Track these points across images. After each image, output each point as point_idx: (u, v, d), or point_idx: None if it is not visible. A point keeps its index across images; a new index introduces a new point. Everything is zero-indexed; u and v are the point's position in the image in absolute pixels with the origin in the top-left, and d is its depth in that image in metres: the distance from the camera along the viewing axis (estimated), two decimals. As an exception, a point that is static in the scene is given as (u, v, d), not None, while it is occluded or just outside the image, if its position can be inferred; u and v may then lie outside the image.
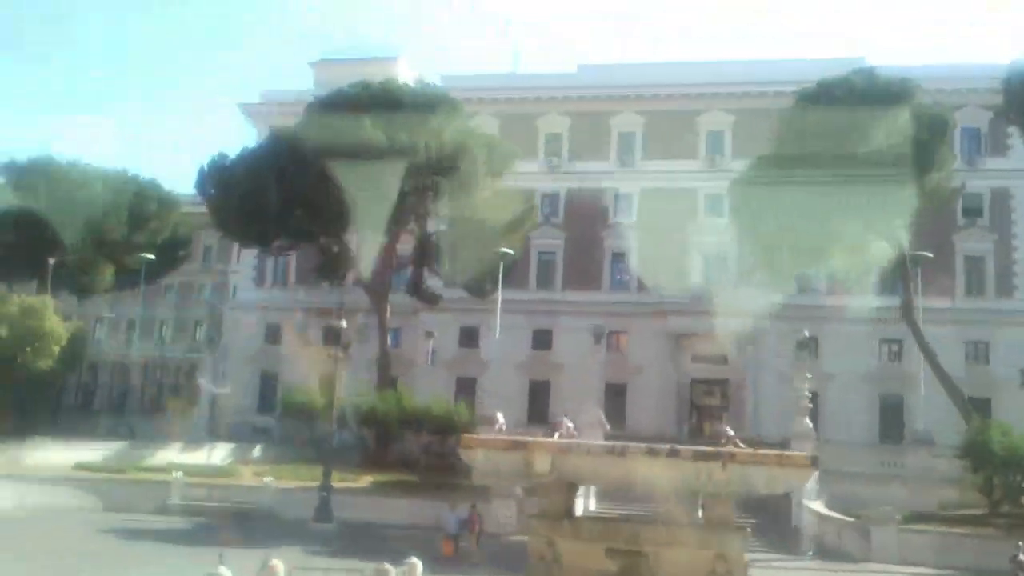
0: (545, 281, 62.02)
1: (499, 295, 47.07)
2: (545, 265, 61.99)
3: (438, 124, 43.27)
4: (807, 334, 41.63)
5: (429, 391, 53.44)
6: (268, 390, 64.82)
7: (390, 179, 44.04)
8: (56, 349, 47.53)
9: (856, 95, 38.40)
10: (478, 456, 15.55)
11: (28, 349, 46.53)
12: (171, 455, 39.87)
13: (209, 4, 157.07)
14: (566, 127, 63.51)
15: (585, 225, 61.97)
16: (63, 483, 33.33)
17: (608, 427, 17.91)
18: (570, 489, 16.16)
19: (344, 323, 36.12)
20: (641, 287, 60.64)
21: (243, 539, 29.80)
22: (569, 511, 15.92)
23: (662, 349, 59.28)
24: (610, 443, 15.81)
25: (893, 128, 38.37)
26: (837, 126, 38.44)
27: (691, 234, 60.44)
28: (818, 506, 36.03)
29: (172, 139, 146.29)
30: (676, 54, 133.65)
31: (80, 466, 35.50)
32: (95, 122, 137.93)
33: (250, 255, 67.93)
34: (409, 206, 44.69)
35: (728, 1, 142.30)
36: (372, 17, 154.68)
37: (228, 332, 66.98)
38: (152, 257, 52.31)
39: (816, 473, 18.20)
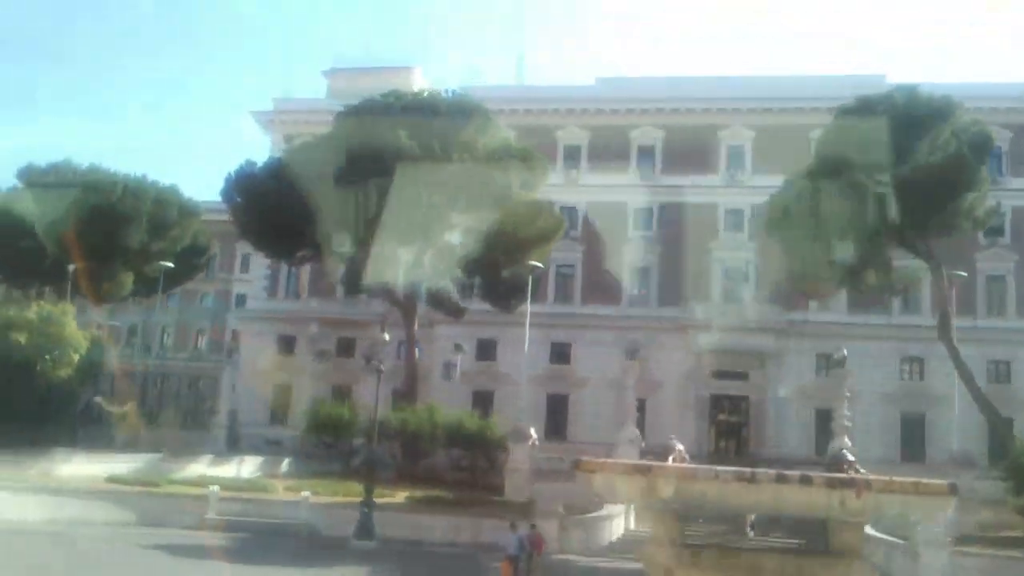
0: (564, 295, 61.57)
1: (527, 308, 46.45)
2: (564, 278, 61.51)
3: (471, 135, 42.77)
4: (844, 352, 41.11)
5: (446, 404, 52.90)
6: (280, 402, 64.06)
7: (420, 189, 43.55)
8: (76, 357, 46.79)
9: (898, 112, 38.08)
10: (596, 480, 14.92)
11: (47, 357, 45.71)
12: (201, 468, 39.06)
13: (221, 13, 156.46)
14: (585, 140, 63.15)
15: (604, 238, 61.55)
16: (97, 496, 32.47)
17: (688, 458, 17.07)
18: (683, 516, 15.65)
19: (387, 336, 35.10)
20: (661, 302, 60.29)
21: (288, 558, 29.20)
22: (684, 538, 15.39)
23: (682, 364, 58.84)
24: (738, 468, 15.24)
25: (935, 146, 38.15)
26: (879, 143, 38.16)
27: (712, 249, 60.30)
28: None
29: (182, 146, 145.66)
30: (687, 68, 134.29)
31: (112, 479, 34.62)
32: (108, 128, 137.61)
33: (261, 265, 67.23)
34: (437, 217, 44.03)
35: (734, 16, 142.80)
36: (384, 28, 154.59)
37: (243, 342, 66.15)
38: (171, 265, 51.50)
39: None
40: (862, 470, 15.44)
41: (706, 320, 58.01)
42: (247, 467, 41.15)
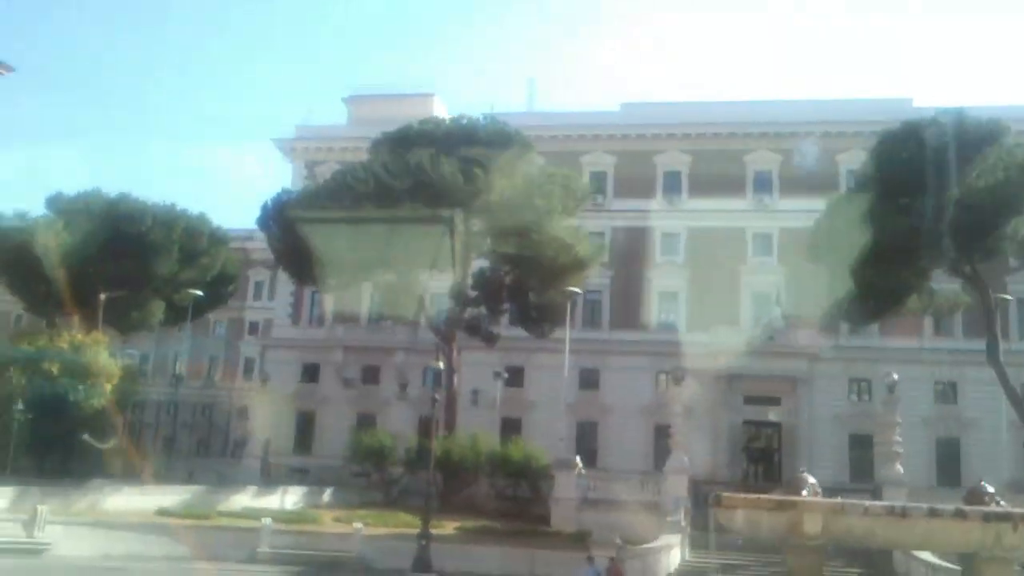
0: (592, 320, 61.16)
1: (567, 334, 46.07)
2: (591, 304, 60.99)
3: (510, 161, 42.53)
4: (895, 377, 40.74)
5: (474, 431, 52.38)
6: (305, 430, 63.47)
7: (459, 216, 43.33)
8: (108, 387, 46.26)
9: (946, 135, 37.96)
10: (738, 516, 14.50)
11: (80, 387, 45.19)
12: (245, 499, 38.39)
13: (236, 41, 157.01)
14: (611, 165, 63.08)
15: (631, 264, 61.34)
16: (149, 530, 31.82)
17: (820, 492, 16.36)
18: (823, 550, 15.22)
19: (441, 364, 34.61)
20: (689, 327, 59.93)
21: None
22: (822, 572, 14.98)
23: (711, 390, 58.35)
24: (888, 503, 14.92)
25: (984, 169, 38.01)
26: (926, 166, 38.02)
27: (740, 273, 60.08)
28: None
29: (198, 173, 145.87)
30: (704, 93, 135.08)
31: (162, 512, 33.99)
32: (123, 156, 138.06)
33: (286, 292, 66.89)
34: (475, 244, 43.72)
35: (747, 41, 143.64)
36: (397, 54, 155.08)
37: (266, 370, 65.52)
38: (200, 293, 51.06)
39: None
40: (1003, 503, 15.01)
41: (735, 345, 57.64)
42: (290, 498, 40.49)
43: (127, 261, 47.83)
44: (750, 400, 58.23)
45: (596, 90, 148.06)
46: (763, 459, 59.76)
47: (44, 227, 47.44)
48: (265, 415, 49.80)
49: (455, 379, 50.31)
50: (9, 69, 62.26)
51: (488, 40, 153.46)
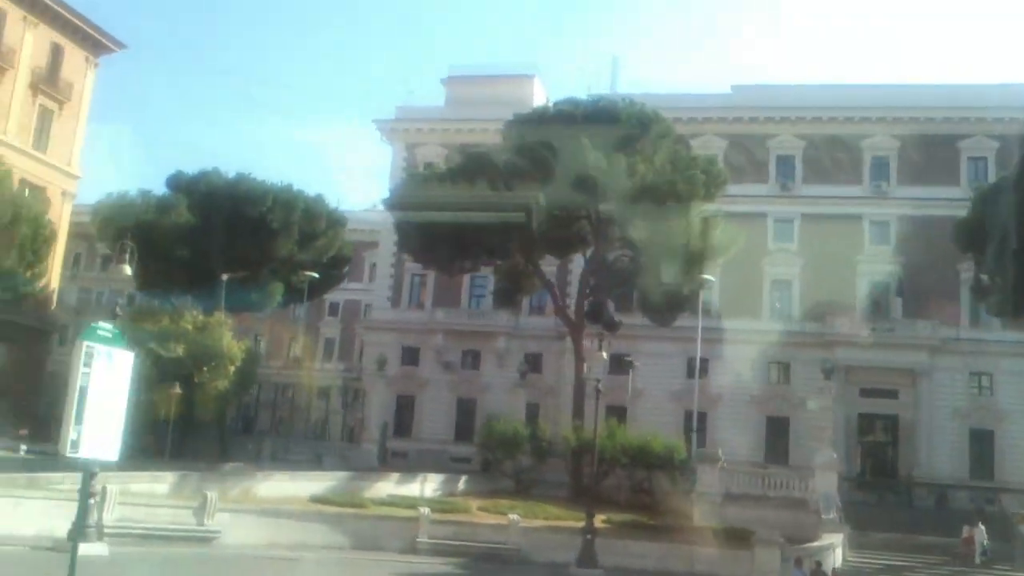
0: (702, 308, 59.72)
1: (699, 323, 44.97)
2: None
3: (651, 144, 41.34)
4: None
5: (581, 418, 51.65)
6: (404, 414, 62.96)
7: (595, 200, 42.25)
8: (232, 369, 45.97)
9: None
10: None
11: (205, 369, 44.92)
12: (389, 487, 37.78)
13: (338, 19, 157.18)
14: (721, 148, 61.46)
15: (742, 250, 59.74)
16: (307, 518, 31.25)
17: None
18: None
19: (604, 354, 33.56)
20: (803, 316, 58.50)
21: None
22: None
23: (826, 381, 56.82)
24: None
25: None
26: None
27: (857, 262, 58.43)
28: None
29: (296, 152, 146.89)
30: (820, 77, 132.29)
31: (315, 499, 33.46)
32: (227, 136, 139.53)
33: (385, 274, 66.38)
34: (610, 228, 42.63)
35: (845, 23, 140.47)
36: (497, 36, 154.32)
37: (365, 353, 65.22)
38: (317, 275, 50.59)
39: None
40: None
41: (852, 336, 56.18)
42: (429, 485, 39.83)
43: (248, 241, 47.36)
44: (866, 393, 56.74)
45: (686, 73, 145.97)
46: (878, 454, 58.29)
47: (168, 207, 47.07)
48: (380, 399, 49.19)
49: (564, 367, 49.50)
50: (121, 46, 62.41)
51: (577, 19, 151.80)
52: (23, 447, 40.70)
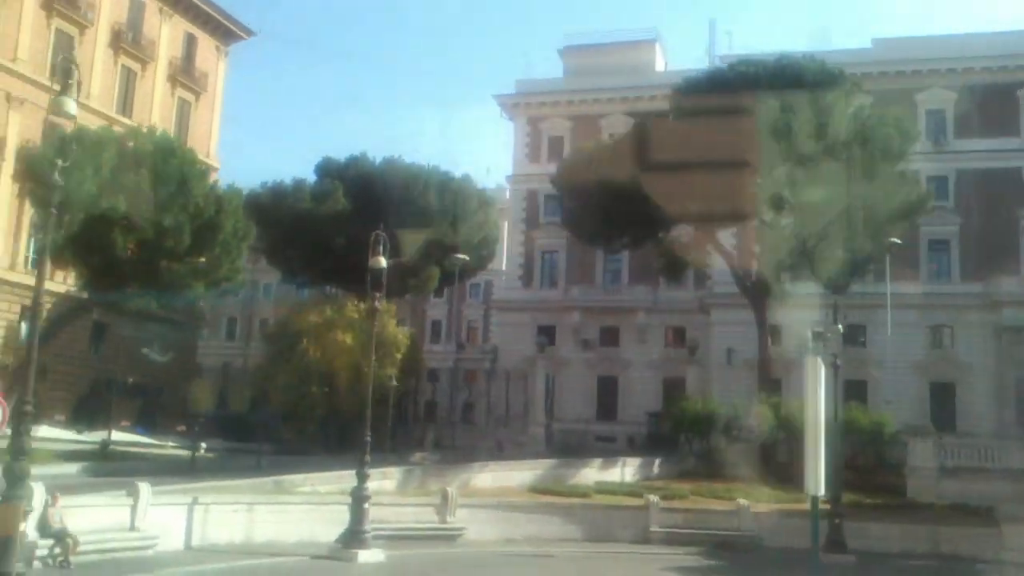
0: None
1: (888, 288, 42.95)
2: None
3: (837, 103, 39.27)
4: None
5: (730, 393, 50.14)
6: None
7: (776, 165, 40.33)
8: (398, 357, 45.10)
9: None
10: None
11: (375, 357, 43.86)
12: (593, 473, 36.54)
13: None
14: (865, 105, 58.77)
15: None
16: (538, 510, 30.12)
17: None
18: None
19: (840, 328, 31.68)
20: (963, 277, 56.05)
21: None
22: None
23: (991, 345, 54.47)
24: None
25: None
26: None
27: (1019, 218, 55.76)
28: None
29: (416, 130, 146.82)
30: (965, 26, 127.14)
31: (534, 490, 32.36)
32: (354, 120, 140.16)
33: (516, 253, 65.22)
34: (791, 194, 40.66)
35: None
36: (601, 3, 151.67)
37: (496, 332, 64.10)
38: (467, 258, 49.38)
39: None
40: None
41: (1019, 295, 53.70)
42: (628, 471, 38.50)
43: (405, 226, 46.13)
44: (1038, 355, 54.14)
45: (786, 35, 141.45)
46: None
47: (324, 195, 46.12)
48: (542, 383, 48.03)
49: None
50: (250, 33, 61.62)
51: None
52: (203, 445, 40.03)
